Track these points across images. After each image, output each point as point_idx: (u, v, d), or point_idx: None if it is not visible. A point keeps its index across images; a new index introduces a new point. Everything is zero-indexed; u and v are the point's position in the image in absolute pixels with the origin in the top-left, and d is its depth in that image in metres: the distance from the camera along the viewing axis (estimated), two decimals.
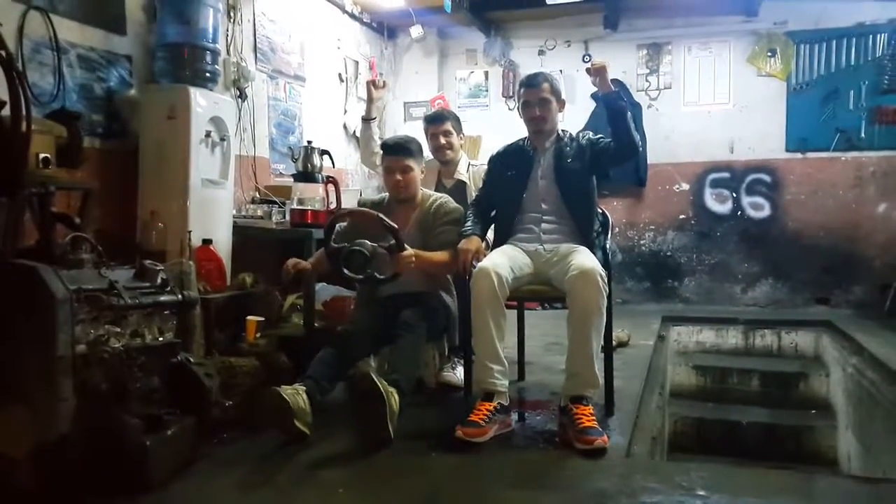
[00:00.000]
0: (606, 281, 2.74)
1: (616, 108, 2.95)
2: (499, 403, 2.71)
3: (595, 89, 3.14)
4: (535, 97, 3.06)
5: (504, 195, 3.16)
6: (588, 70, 3.03)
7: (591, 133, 3.14)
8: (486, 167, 3.62)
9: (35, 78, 3.12)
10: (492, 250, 3.06)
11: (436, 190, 3.51)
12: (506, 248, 3.02)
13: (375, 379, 2.50)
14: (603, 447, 2.53)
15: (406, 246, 2.84)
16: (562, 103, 3.13)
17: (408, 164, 3.09)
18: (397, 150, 3.11)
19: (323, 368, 2.76)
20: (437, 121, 3.74)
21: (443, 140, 3.66)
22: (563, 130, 3.16)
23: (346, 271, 2.82)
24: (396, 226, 2.84)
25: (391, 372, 2.72)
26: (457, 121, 3.77)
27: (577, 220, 3.04)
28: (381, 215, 2.86)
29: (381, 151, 3.76)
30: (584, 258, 2.80)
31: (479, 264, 2.82)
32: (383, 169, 3.21)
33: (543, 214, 3.06)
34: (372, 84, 3.94)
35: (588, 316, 2.70)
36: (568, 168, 3.04)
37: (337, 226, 3.03)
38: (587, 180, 3.08)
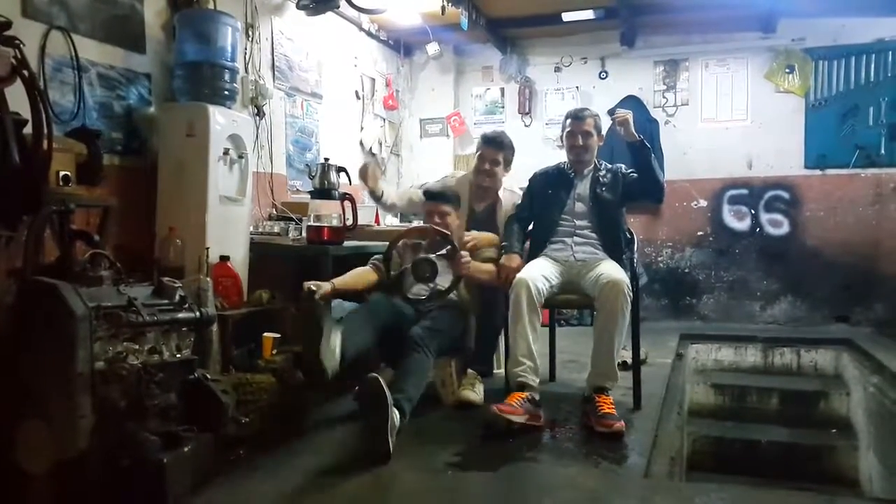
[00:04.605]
0: (632, 291, 3.04)
1: (641, 156, 3.23)
2: (531, 395, 2.94)
3: (611, 106, 3.30)
4: (579, 129, 3.38)
5: (543, 210, 3.46)
6: (613, 120, 3.25)
7: (623, 166, 3.39)
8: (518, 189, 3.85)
9: (56, 96, 3.14)
10: (527, 261, 3.31)
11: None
12: (540, 260, 3.29)
13: (383, 385, 2.57)
14: (620, 430, 2.82)
15: (458, 248, 3.17)
16: (601, 138, 3.47)
17: (445, 209, 3.46)
18: (436, 198, 3.53)
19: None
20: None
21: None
22: (599, 161, 3.47)
23: (414, 283, 3.19)
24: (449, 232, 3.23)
25: (395, 392, 2.71)
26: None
27: (606, 239, 3.31)
28: (433, 226, 3.31)
29: (420, 198, 3.90)
30: (613, 270, 3.10)
31: (518, 275, 3.09)
32: (425, 212, 3.57)
33: (576, 229, 3.35)
34: (363, 174, 3.82)
35: (613, 319, 2.99)
36: (602, 197, 3.34)
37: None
38: (618, 210, 3.38)
